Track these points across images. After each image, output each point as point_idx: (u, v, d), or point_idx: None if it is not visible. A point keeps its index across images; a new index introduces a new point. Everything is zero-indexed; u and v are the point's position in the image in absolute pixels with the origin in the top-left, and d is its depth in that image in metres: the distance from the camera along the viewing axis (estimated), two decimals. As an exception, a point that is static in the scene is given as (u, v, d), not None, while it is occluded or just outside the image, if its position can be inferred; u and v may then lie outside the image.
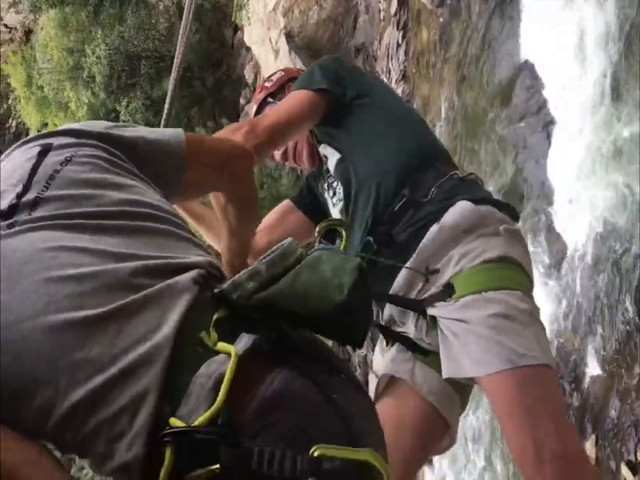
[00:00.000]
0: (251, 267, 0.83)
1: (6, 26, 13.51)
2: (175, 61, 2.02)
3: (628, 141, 3.71)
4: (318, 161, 1.87)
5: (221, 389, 0.72)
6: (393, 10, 7.51)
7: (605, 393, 3.31)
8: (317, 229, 1.01)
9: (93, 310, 0.73)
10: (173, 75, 2.02)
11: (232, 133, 1.63)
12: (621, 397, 3.15)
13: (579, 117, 4.26)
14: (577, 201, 4.08)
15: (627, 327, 3.28)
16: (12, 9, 11.95)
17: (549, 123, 4.66)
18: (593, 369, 3.47)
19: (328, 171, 1.81)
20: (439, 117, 6.49)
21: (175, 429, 0.72)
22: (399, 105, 1.84)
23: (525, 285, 1.55)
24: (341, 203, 1.77)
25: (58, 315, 0.72)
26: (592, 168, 3.98)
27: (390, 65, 7.61)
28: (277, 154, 1.90)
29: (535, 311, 1.53)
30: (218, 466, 0.72)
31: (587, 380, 3.47)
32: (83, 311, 0.73)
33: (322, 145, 1.79)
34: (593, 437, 3.21)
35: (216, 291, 0.81)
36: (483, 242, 1.54)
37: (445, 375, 1.55)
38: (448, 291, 1.53)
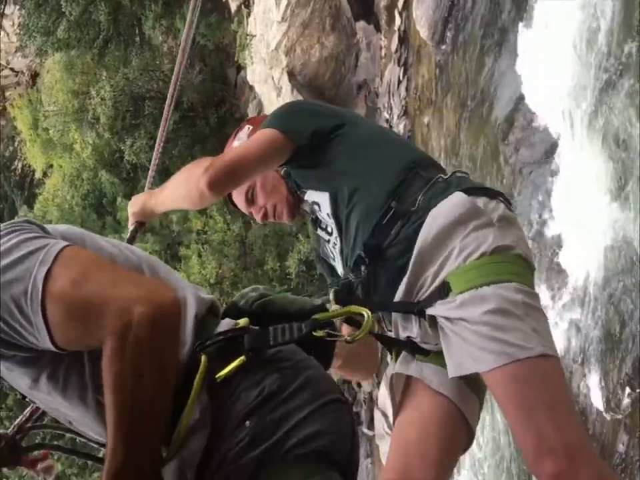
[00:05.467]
0: (251, 287, 1.34)
1: (12, 70, 13.76)
2: (168, 101, 2.03)
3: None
4: (298, 214, 1.87)
5: (241, 321, 1.17)
6: (394, 47, 7.62)
7: (613, 427, 3.26)
8: (336, 311, 1.27)
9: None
10: (165, 114, 2.03)
11: (194, 166, 1.66)
12: (629, 431, 3.11)
13: (579, 151, 4.27)
14: (583, 234, 4.06)
15: (635, 361, 3.23)
16: (18, 53, 12.18)
17: (550, 158, 4.68)
18: (600, 403, 3.42)
19: (318, 220, 1.80)
20: (440, 152, 6.52)
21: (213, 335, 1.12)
22: (371, 128, 1.84)
23: (520, 273, 1.54)
24: (338, 246, 1.75)
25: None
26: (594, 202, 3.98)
27: (392, 101, 7.69)
28: (258, 217, 1.90)
29: (532, 300, 1.51)
30: (243, 357, 1.09)
31: (594, 414, 3.42)
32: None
33: (307, 193, 1.78)
34: (603, 473, 3.14)
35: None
36: (477, 235, 1.53)
37: (450, 374, 1.55)
38: (444, 290, 1.52)
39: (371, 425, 6.99)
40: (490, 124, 5.61)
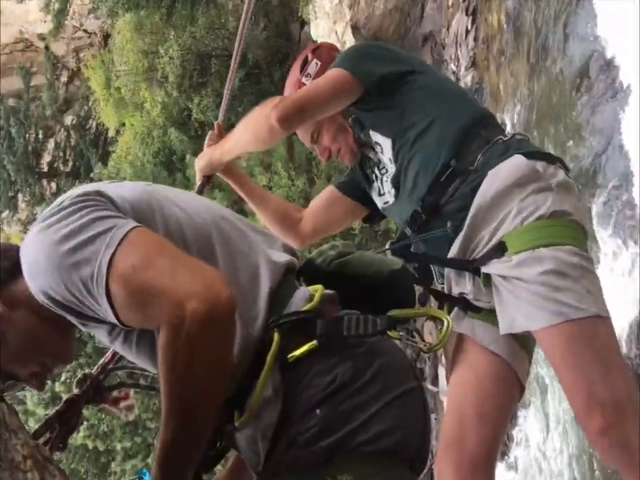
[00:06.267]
0: (330, 243, 1.28)
1: (86, 31, 14.08)
2: (233, 60, 2.06)
3: None
4: (359, 155, 1.90)
5: (315, 296, 1.13)
6: (462, -5, 7.39)
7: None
8: (414, 311, 1.21)
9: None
10: (231, 71, 2.06)
11: (261, 106, 1.69)
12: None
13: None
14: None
15: None
16: (91, 15, 12.43)
17: (623, 112, 4.50)
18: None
19: (379, 161, 1.83)
20: (509, 105, 6.34)
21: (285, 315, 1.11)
22: (439, 78, 1.85)
23: (576, 237, 1.57)
24: (390, 188, 1.79)
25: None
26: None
27: (459, 52, 7.48)
28: (323, 158, 1.94)
29: (586, 263, 1.55)
30: (315, 342, 1.07)
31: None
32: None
33: (370, 133, 1.80)
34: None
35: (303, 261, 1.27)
36: (536, 199, 1.56)
37: (502, 331, 1.59)
38: (500, 249, 1.56)
39: (435, 381, 7.03)
40: (563, 75, 5.41)
